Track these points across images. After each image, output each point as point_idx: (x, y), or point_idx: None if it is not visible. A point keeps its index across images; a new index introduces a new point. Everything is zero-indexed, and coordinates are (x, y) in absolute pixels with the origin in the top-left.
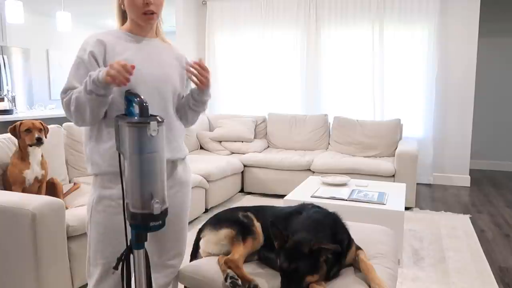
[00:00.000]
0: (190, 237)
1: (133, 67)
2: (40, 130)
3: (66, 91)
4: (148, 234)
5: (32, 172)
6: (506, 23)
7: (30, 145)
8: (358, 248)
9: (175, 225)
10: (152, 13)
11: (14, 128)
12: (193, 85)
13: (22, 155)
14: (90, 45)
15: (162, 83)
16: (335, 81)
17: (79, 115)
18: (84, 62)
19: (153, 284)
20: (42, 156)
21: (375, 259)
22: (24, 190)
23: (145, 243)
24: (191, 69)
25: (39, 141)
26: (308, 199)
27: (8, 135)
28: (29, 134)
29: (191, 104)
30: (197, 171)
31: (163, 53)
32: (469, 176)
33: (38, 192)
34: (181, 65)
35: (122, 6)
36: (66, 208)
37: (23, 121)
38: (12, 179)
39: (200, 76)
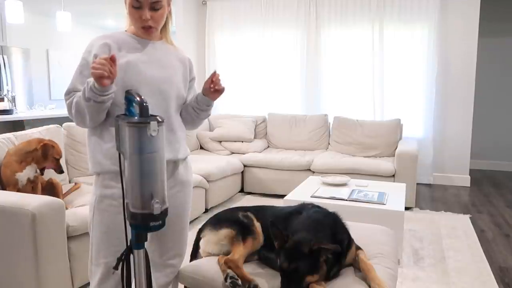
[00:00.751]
0: (190, 237)
1: (112, 57)
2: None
3: (69, 92)
4: (148, 233)
5: (24, 174)
6: (506, 22)
7: (42, 171)
8: (358, 248)
9: (176, 225)
10: (150, 27)
11: (46, 147)
12: (198, 90)
13: (21, 159)
14: (95, 48)
15: (164, 85)
16: (335, 81)
17: (80, 118)
18: (88, 64)
19: (154, 284)
20: None
21: (375, 259)
22: (18, 191)
23: (146, 242)
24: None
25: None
26: (308, 199)
27: (8, 135)
28: (55, 161)
29: (196, 109)
30: (197, 171)
31: (166, 55)
32: (469, 176)
33: (33, 192)
34: (184, 67)
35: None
36: (66, 208)
37: (56, 147)
38: (5, 180)
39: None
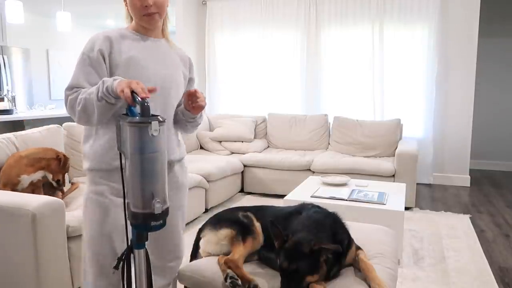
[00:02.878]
0: (190, 237)
1: (153, 89)
2: None
3: (71, 88)
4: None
5: (29, 178)
6: (506, 23)
7: (58, 182)
8: (358, 248)
9: (171, 227)
10: (153, 13)
11: (65, 159)
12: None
13: (32, 163)
14: (98, 43)
15: (166, 83)
16: (335, 81)
17: (85, 116)
18: (91, 60)
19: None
20: None
21: (375, 259)
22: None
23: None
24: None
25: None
26: (308, 199)
27: (8, 135)
28: (63, 175)
29: (183, 120)
30: (197, 171)
31: (168, 53)
32: (469, 176)
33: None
34: (184, 66)
35: (127, 7)
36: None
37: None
38: (5, 179)
39: (198, 103)
